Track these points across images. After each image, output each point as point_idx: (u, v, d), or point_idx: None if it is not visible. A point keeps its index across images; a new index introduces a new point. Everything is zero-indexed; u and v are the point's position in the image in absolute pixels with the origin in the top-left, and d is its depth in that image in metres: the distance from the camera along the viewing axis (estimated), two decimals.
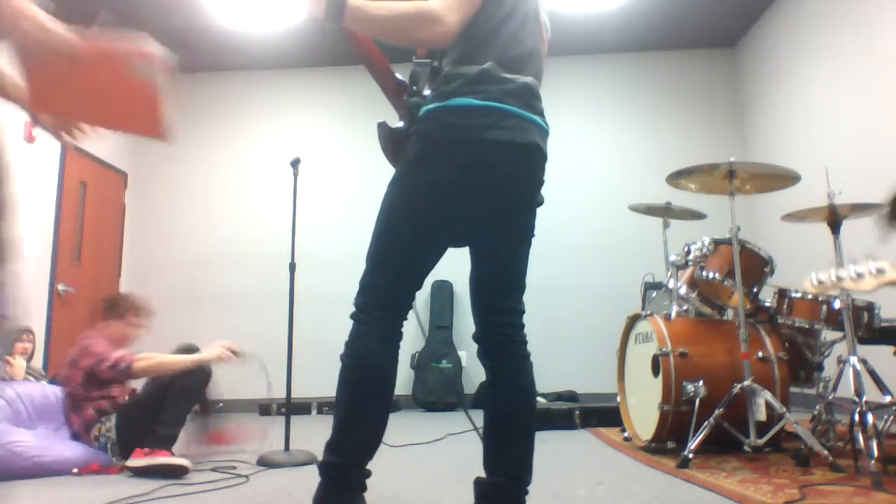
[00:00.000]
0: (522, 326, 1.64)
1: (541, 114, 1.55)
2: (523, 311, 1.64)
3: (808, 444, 2.47)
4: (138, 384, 3.08)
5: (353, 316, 1.53)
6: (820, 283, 1.55)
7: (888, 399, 2.61)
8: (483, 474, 1.58)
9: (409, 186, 1.51)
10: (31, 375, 3.66)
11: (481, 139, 1.45)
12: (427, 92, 1.60)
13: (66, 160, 5.14)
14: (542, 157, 1.56)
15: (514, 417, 1.58)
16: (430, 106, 1.51)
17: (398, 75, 1.66)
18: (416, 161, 1.51)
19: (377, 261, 1.53)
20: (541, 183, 1.60)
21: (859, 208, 2.80)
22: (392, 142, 1.60)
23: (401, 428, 4.04)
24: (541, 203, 1.63)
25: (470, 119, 1.45)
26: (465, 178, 1.47)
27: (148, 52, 1.29)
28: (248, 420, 4.85)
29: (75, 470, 2.72)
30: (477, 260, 1.64)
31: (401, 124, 1.61)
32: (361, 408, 1.48)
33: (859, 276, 1.43)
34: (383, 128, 1.61)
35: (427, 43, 1.48)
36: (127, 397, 3.00)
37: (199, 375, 2.95)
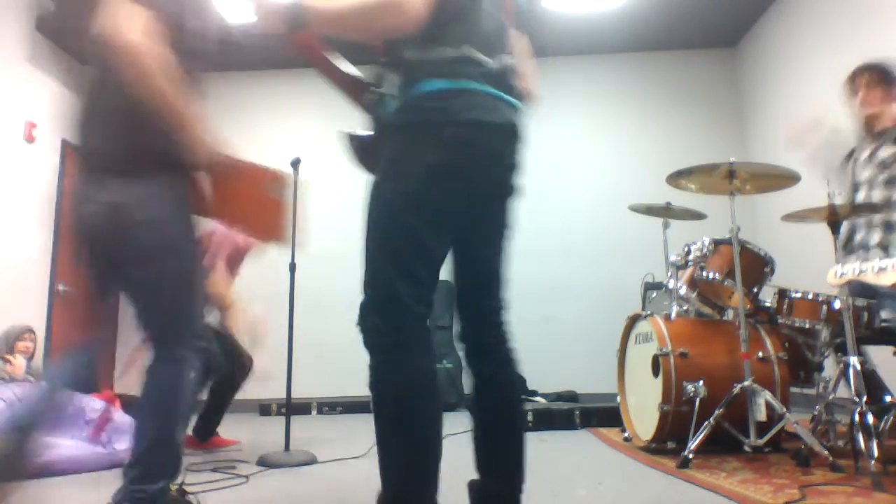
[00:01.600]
0: (507, 324, 1.58)
1: (516, 95, 1.49)
2: (507, 308, 1.59)
3: (808, 444, 2.47)
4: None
5: (375, 344, 1.34)
6: (843, 275, 1.58)
7: (888, 399, 2.61)
8: (472, 477, 1.53)
9: (402, 180, 1.39)
10: (30, 376, 3.66)
11: (462, 120, 1.37)
12: (391, 87, 1.49)
13: (66, 160, 5.14)
14: (521, 138, 1.49)
15: (510, 418, 1.53)
16: (402, 95, 1.42)
17: (351, 70, 1.56)
18: (400, 154, 1.40)
19: (389, 269, 1.37)
20: (520, 166, 1.53)
21: (859, 208, 2.81)
22: (364, 151, 1.52)
23: None
24: (518, 191, 1.56)
25: (446, 101, 1.37)
26: (456, 160, 1.39)
27: (281, 175, 1.75)
28: (249, 420, 4.85)
29: None
30: (463, 255, 1.55)
31: (369, 133, 1.52)
32: (428, 452, 1.30)
33: (881, 269, 1.45)
34: (353, 139, 1.52)
35: (393, 32, 1.38)
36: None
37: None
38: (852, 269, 1.56)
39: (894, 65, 2.92)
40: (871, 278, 1.48)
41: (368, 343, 1.36)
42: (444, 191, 1.39)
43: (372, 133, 1.51)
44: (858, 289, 2.80)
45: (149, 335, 1.75)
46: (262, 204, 1.67)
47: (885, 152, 2.87)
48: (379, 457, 1.32)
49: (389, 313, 1.35)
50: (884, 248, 2.81)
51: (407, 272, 1.36)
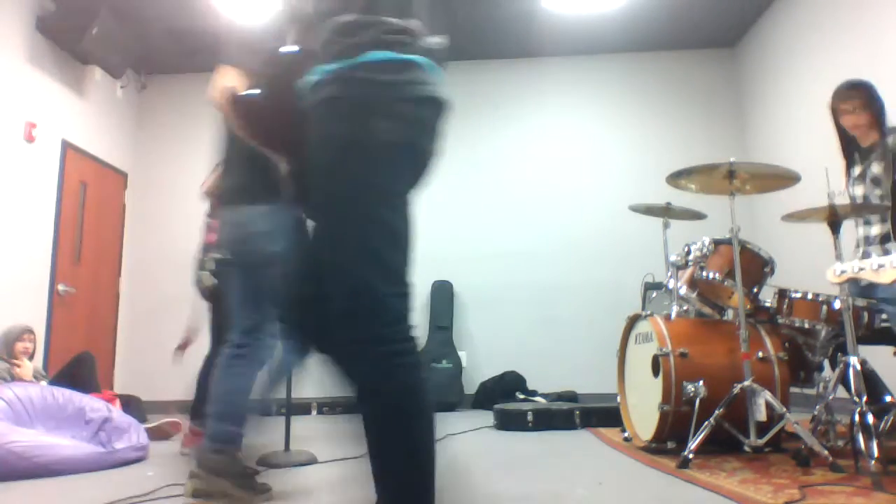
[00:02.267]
0: None
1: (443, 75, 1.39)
2: None
3: (808, 444, 2.47)
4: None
5: (362, 353, 1.21)
6: (842, 273, 1.59)
7: (888, 399, 2.61)
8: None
9: (358, 164, 1.23)
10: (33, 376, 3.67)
11: (412, 95, 1.26)
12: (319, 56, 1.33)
13: (66, 160, 5.14)
14: (447, 120, 1.38)
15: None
16: (340, 64, 1.25)
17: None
18: (349, 134, 1.23)
19: (366, 269, 1.21)
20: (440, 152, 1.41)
21: (859, 208, 2.81)
22: (251, 112, 1.40)
23: None
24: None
25: (394, 74, 1.25)
26: (410, 137, 1.27)
27: None
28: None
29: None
30: None
31: (255, 91, 1.39)
32: (426, 460, 1.20)
33: (880, 267, 1.46)
34: (239, 101, 1.42)
35: None
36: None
37: None
38: (851, 266, 1.56)
39: (871, 84, 2.97)
40: (869, 275, 1.49)
41: (353, 352, 1.22)
42: (403, 171, 1.27)
43: (259, 91, 1.39)
44: (858, 289, 2.80)
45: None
46: None
47: (875, 168, 2.90)
48: (373, 467, 1.19)
49: (374, 319, 1.20)
50: (885, 239, 2.84)
51: (386, 270, 1.23)
